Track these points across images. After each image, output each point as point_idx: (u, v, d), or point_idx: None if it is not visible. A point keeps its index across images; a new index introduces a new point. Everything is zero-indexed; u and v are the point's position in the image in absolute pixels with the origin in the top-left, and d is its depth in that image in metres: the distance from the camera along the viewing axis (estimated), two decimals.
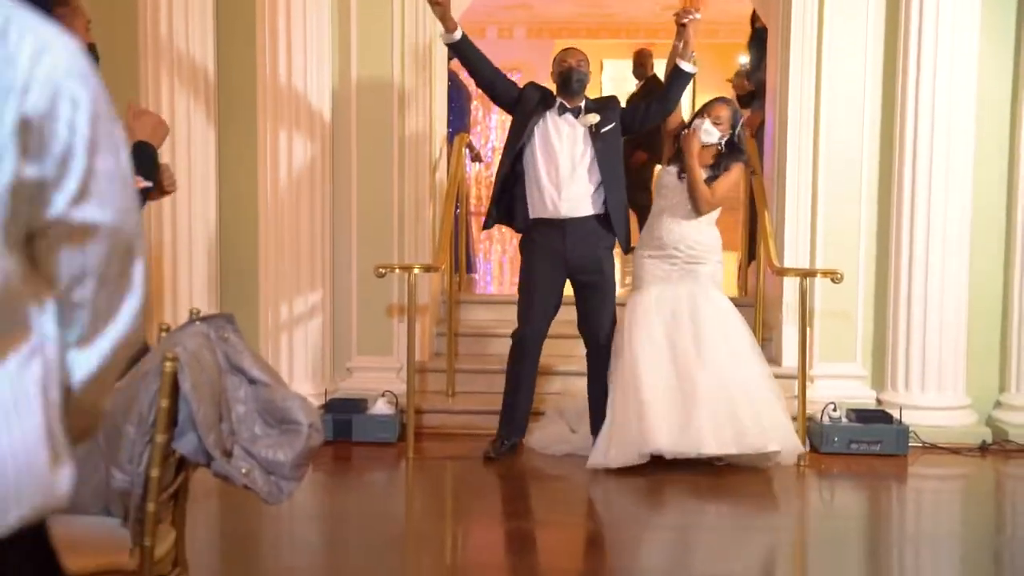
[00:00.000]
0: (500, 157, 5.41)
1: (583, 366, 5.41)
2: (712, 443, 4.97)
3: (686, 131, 5.27)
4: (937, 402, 5.72)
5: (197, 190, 5.78)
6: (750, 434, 5.02)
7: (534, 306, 5.22)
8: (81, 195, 1.20)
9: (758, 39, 7.62)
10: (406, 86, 6.02)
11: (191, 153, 5.76)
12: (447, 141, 6.58)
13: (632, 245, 5.47)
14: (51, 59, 1.16)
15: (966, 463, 5.53)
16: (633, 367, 5.09)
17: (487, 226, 5.47)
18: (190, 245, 5.76)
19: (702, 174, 5.23)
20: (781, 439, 5.11)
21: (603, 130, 5.16)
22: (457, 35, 5.15)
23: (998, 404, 5.92)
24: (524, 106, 5.24)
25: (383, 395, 5.67)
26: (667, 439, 4.96)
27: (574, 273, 5.23)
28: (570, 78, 5.18)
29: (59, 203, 1.19)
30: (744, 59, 8.21)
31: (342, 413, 5.54)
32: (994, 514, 5.13)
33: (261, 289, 5.84)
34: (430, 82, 6.17)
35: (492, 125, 16.09)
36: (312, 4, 5.77)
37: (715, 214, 5.35)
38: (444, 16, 5.10)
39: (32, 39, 1.15)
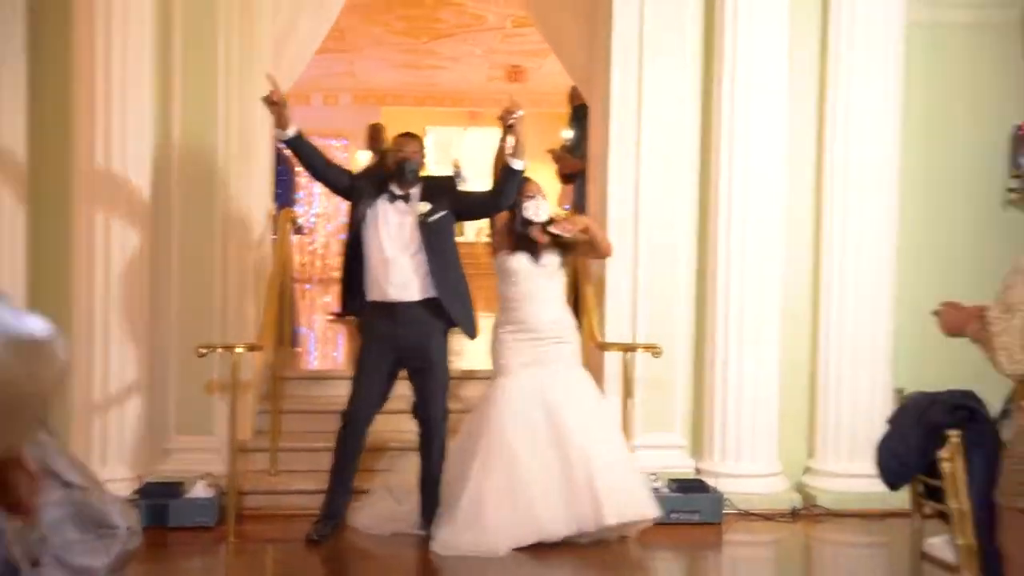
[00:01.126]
0: (343, 245, 5.41)
1: (412, 443, 5.39)
2: (610, 515, 5.04)
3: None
4: (751, 470, 5.94)
5: (3, 269, 5.50)
6: (629, 506, 5.16)
7: (363, 389, 5.23)
8: None
9: (577, 117, 7.86)
10: (231, 161, 5.94)
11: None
12: (272, 215, 6.50)
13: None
14: None
15: (778, 529, 5.74)
16: (511, 455, 5.08)
17: (343, 314, 5.43)
18: None
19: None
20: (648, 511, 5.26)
21: (431, 219, 5.20)
22: (292, 132, 5.14)
23: (807, 470, 6.18)
24: (358, 194, 5.27)
25: (202, 477, 5.49)
26: (555, 525, 5.02)
27: (404, 357, 5.24)
28: (404, 168, 5.21)
29: None
30: (567, 133, 8.42)
31: (157, 498, 5.33)
32: None
33: (74, 369, 5.60)
34: (254, 157, 6.10)
35: (316, 192, 16.01)
36: (132, 77, 5.63)
37: (564, 292, 5.47)
38: (280, 115, 5.08)
39: None
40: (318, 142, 10.00)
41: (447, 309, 5.19)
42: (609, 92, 6.22)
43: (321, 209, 16.50)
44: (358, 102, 17.26)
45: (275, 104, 5.06)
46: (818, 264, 6.19)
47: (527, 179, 5.40)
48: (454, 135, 18.55)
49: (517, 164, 5.19)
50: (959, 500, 2.93)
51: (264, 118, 6.08)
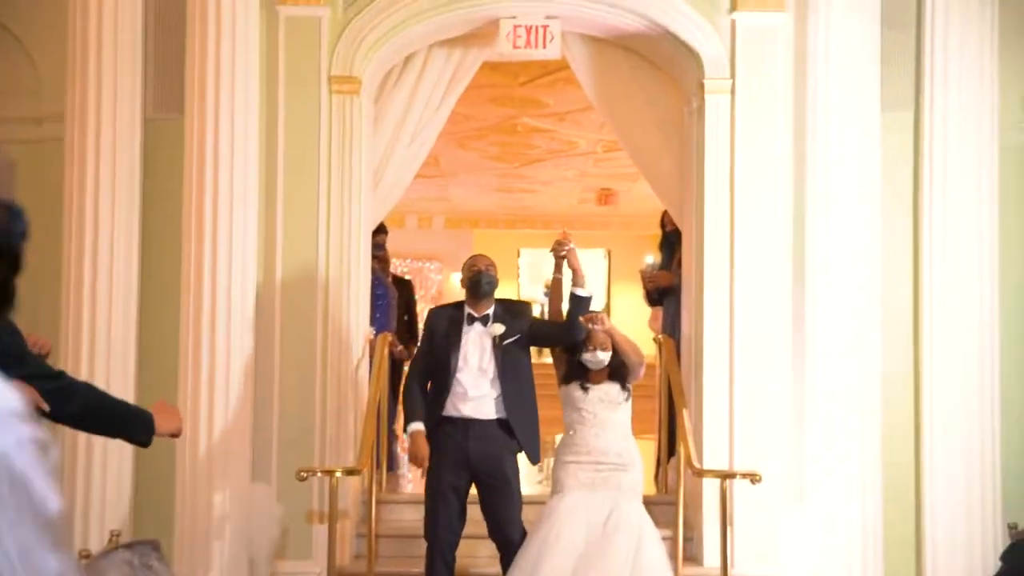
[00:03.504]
0: (411, 370, 5.50)
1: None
2: None
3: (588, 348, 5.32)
4: None
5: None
6: None
7: (441, 511, 5.21)
8: None
9: (669, 242, 7.91)
10: (331, 289, 6.11)
11: (111, 353, 5.75)
12: (371, 339, 6.63)
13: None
14: None
15: None
16: (535, 569, 4.99)
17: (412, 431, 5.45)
18: (104, 455, 5.67)
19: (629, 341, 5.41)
20: None
21: (506, 342, 5.29)
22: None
23: None
24: (439, 333, 5.37)
25: None
26: None
27: (477, 474, 5.25)
28: (479, 281, 5.34)
29: None
30: (650, 259, 8.48)
31: None
32: None
33: (177, 495, 5.72)
34: (352, 283, 6.26)
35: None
36: (239, 201, 5.87)
37: (630, 424, 5.41)
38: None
39: None
40: (412, 265, 10.29)
41: (515, 432, 5.24)
42: (703, 222, 6.27)
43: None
44: (451, 225, 17.62)
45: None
46: (918, 395, 6.08)
47: (593, 322, 5.38)
48: (545, 256, 18.73)
49: (581, 292, 5.33)
50: None
51: (361, 248, 6.31)
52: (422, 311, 8.44)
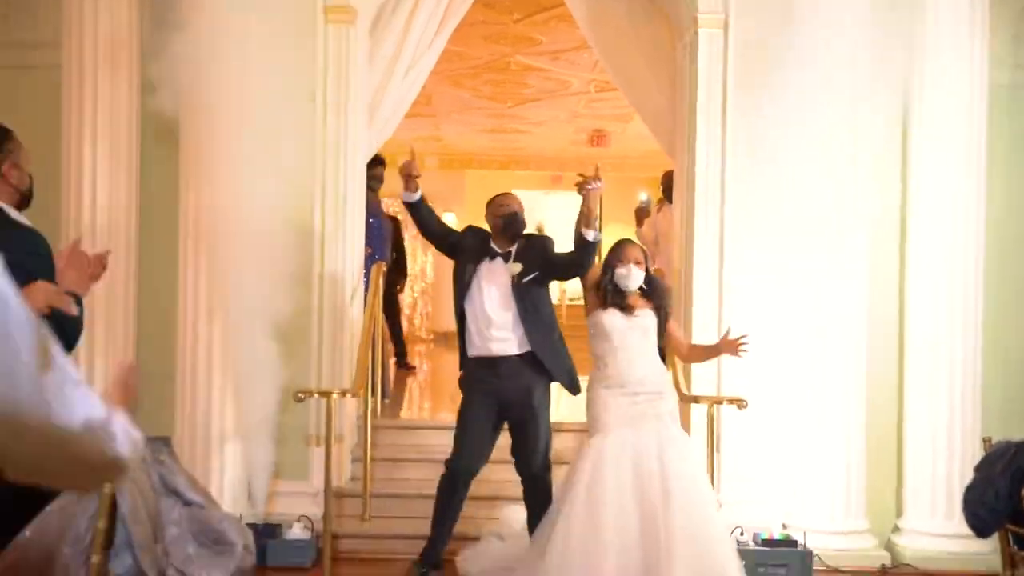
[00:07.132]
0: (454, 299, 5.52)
1: (518, 492, 5.46)
2: None
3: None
4: (840, 527, 5.93)
5: (118, 312, 5.83)
6: None
7: (469, 441, 5.31)
8: None
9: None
10: (327, 219, 6.20)
11: (113, 268, 5.83)
12: (363, 268, 6.72)
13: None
14: None
15: None
16: (594, 515, 4.85)
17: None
18: (107, 361, 5.77)
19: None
20: None
21: (524, 280, 5.32)
22: (417, 196, 5.39)
23: (896, 529, 6.14)
24: (465, 251, 5.46)
25: (299, 519, 5.67)
26: None
27: (506, 410, 5.33)
28: (512, 222, 5.40)
29: None
30: (644, 196, 8.57)
31: (256, 539, 5.49)
32: None
33: (178, 413, 5.84)
34: (348, 215, 6.34)
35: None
36: (239, 129, 5.90)
37: (658, 352, 5.32)
38: (412, 182, 5.37)
39: None
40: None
41: (544, 363, 5.30)
42: (694, 155, 6.35)
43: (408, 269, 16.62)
44: (444, 166, 17.62)
45: (411, 177, 5.35)
46: (902, 316, 6.23)
47: (628, 243, 5.36)
48: (537, 198, 18.80)
49: (589, 235, 5.20)
50: None
51: (356, 178, 6.40)
52: (412, 250, 8.54)
